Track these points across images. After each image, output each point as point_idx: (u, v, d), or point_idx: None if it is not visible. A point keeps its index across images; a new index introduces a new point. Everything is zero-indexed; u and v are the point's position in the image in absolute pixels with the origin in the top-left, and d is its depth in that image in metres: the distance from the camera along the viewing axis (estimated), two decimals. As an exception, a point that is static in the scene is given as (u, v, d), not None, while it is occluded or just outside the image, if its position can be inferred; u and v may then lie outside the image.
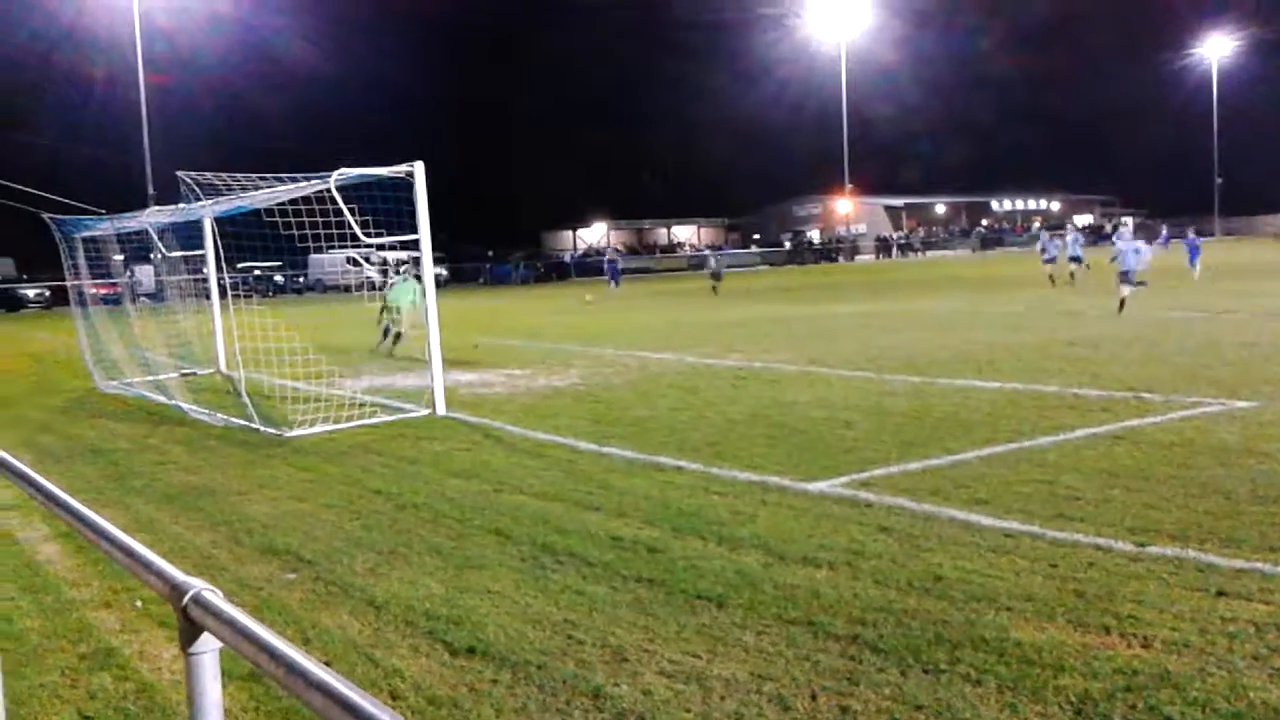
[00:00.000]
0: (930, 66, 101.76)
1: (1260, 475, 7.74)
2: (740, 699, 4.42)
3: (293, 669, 1.90)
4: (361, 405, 12.70)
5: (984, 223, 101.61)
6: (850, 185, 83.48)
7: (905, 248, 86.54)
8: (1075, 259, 33.53)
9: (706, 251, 50.91)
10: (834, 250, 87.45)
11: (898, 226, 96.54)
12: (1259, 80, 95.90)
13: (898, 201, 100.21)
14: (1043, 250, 35.18)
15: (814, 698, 4.40)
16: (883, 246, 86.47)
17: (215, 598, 2.23)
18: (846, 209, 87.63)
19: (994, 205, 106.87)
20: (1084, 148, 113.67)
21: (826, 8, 76.04)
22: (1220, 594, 5.35)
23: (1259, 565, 5.74)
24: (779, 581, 5.86)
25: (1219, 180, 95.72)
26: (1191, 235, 36.60)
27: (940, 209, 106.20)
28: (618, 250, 48.57)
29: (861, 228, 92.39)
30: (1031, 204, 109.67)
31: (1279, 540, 6.17)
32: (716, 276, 41.44)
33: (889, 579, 5.82)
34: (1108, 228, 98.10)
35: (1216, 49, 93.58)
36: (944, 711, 4.21)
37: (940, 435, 9.83)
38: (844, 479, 8.24)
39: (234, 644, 2.12)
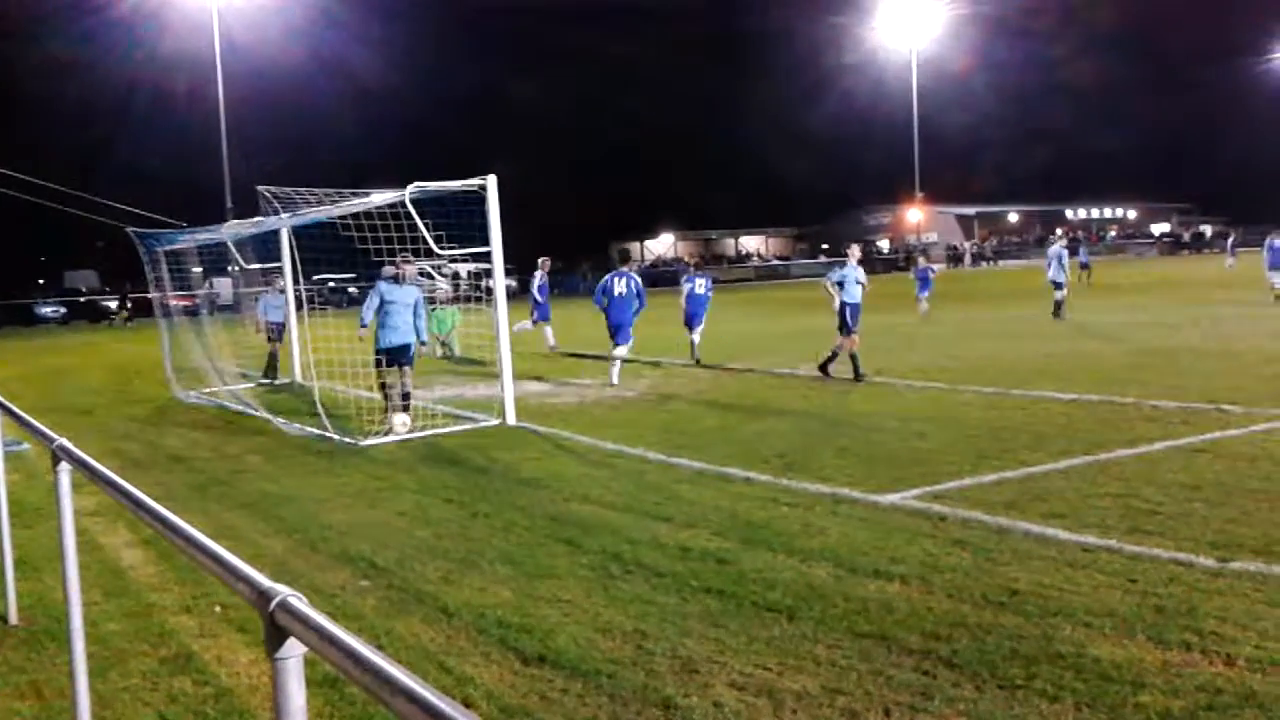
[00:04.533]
0: (1003, 73, 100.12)
1: (1349, 490, 7.51)
2: (812, 713, 4.40)
3: (379, 675, 1.93)
4: (433, 415, 12.87)
5: (1058, 232, 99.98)
6: (921, 194, 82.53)
7: (977, 257, 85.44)
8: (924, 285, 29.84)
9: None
10: (905, 260, 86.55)
11: (969, 235, 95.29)
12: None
13: (969, 210, 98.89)
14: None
15: (887, 713, 4.36)
16: (954, 256, 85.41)
17: (301, 604, 2.28)
18: (917, 218, 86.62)
19: (1068, 214, 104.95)
20: (1161, 155, 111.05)
21: (897, 15, 75.43)
22: (1308, 612, 5.20)
23: (1349, 583, 5.58)
24: (851, 594, 5.82)
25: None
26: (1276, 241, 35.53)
27: (1013, 218, 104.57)
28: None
29: (932, 237, 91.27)
30: (1107, 212, 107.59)
31: (1369, 557, 6.00)
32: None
33: (963, 593, 5.75)
34: (1186, 236, 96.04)
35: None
36: (1020, 728, 4.15)
37: (1015, 447, 9.69)
38: (917, 491, 8.15)
39: (319, 649, 2.17)
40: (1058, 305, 25.18)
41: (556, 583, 6.33)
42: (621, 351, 16.68)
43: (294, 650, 2.30)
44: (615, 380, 16.15)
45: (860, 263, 16.32)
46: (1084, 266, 39.69)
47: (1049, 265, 26.00)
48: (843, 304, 15.76)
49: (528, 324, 22.78)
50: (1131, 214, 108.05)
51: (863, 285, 16.06)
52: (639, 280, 16.98)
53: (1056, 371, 15.00)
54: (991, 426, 10.86)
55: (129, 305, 54.74)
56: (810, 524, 7.39)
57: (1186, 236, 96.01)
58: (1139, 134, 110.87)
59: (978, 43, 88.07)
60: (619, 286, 16.85)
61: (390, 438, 11.89)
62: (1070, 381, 13.78)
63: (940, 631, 5.18)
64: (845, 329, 15.66)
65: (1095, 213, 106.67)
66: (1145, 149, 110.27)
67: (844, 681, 4.68)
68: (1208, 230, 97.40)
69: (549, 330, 23.06)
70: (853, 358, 15.45)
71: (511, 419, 12.66)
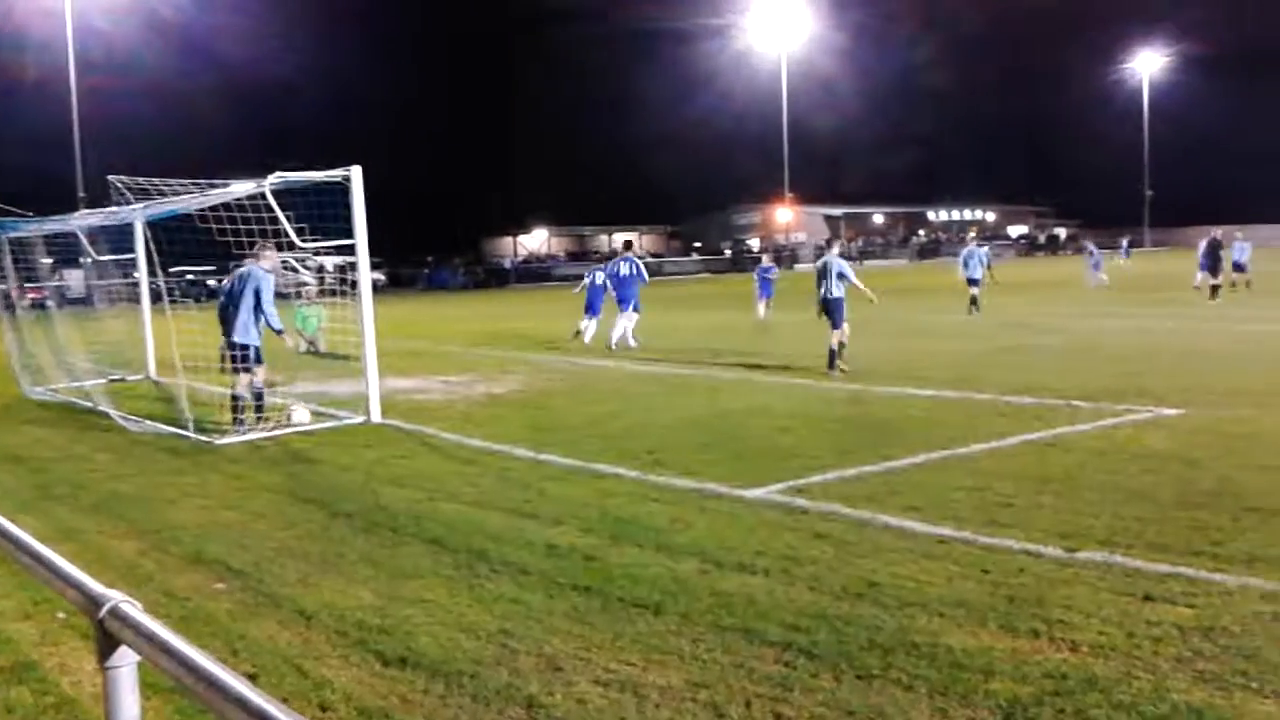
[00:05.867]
0: (870, 78, 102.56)
1: (1186, 481, 7.90)
2: (675, 707, 4.42)
3: (212, 683, 1.85)
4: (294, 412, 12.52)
5: (920, 233, 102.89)
6: (790, 194, 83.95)
7: (844, 257, 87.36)
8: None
9: None
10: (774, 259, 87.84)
11: (837, 235, 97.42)
12: (1188, 96, 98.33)
13: (836, 211, 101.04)
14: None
15: (748, 705, 4.40)
16: (821, 255, 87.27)
17: (134, 610, 2.17)
18: (786, 218, 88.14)
19: (930, 216, 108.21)
20: (1020, 160, 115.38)
21: (768, 18, 76.53)
22: (1146, 598, 5.44)
23: (1184, 570, 5.86)
24: (715, 588, 5.87)
25: (1149, 193, 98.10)
26: (1091, 246, 37.32)
27: (878, 219, 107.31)
28: None
29: (801, 236, 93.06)
30: (967, 214, 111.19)
31: (1203, 545, 6.31)
32: None
33: (824, 585, 5.85)
34: (1041, 239, 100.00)
35: (1148, 64, 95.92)
36: (876, 717, 4.24)
37: (876, 442, 9.92)
38: (781, 486, 8.27)
39: (152, 657, 2.07)
40: (974, 300, 26.47)
41: (420, 583, 6.22)
42: (632, 317, 20.65)
43: (126, 658, 2.20)
44: (632, 342, 20.35)
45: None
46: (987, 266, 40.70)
47: (963, 264, 27.36)
48: (839, 299, 15.74)
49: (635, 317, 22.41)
50: (990, 216, 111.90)
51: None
52: (640, 263, 21.40)
53: (918, 368, 15.42)
54: (854, 422, 11.11)
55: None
56: (677, 519, 7.43)
57: (1043, 239, 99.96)
58: (998, 139, 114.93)
59: (845, 47, 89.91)
60: (624, 269, 20.97)
61: (250, 435, 11.52)
62: (930, 378, 14.19)
63: (801, 623, 5.26)
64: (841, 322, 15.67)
65: (956, 214, 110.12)
66: (1004, 154, 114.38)
67: (707, 674, 4.71)
68: (1062, 233, 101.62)
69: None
70: (833, 350, 15.54)
71: (376, 416, 12.42)
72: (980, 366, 15.43)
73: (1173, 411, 10.89)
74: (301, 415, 12.25)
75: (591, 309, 21.62)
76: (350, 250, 12.67)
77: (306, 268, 15.87)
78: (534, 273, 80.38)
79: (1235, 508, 7.10)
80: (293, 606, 5.90)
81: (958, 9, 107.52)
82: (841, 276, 15.95)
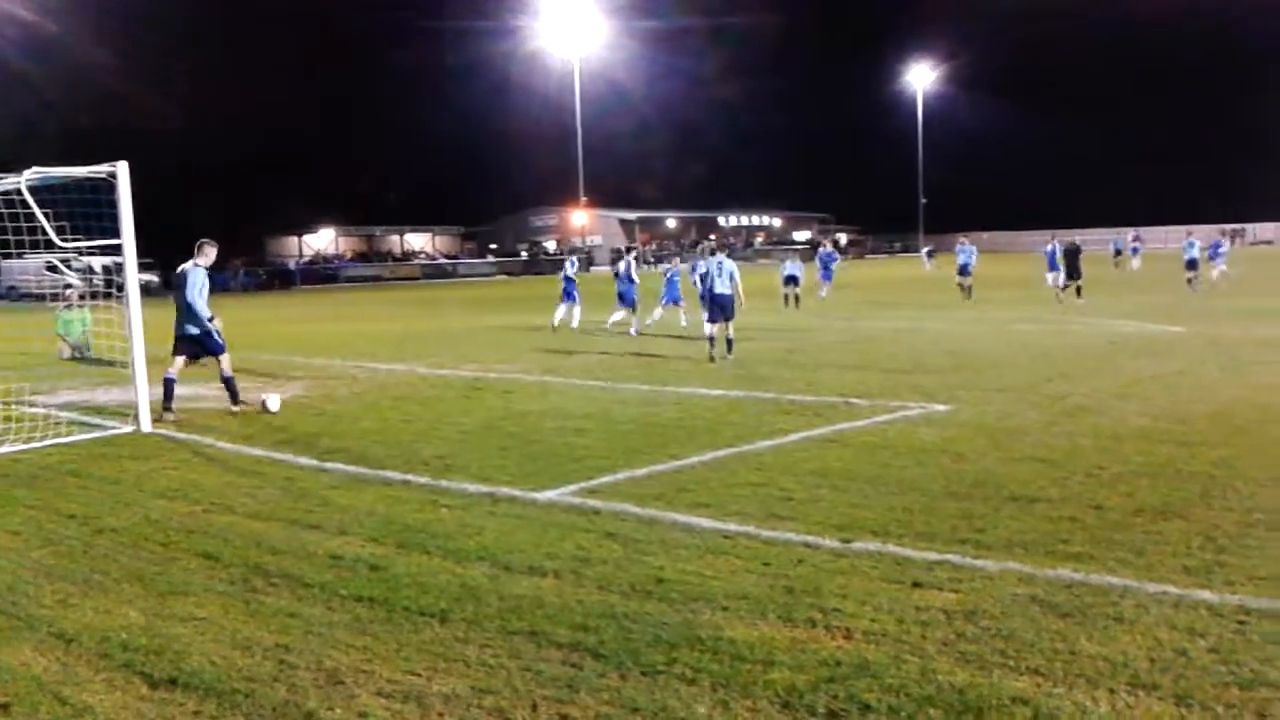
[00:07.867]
0: (662, 85, 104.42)
1: (953, 473, 8.36)
2: (459, 714, 4.34)
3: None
4: (56, 423, 11.74)
5: (711, 237, 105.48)
6: (586, 198, 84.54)
7: (638, 260, 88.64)
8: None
9: None
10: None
11: (631, 239, 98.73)
12: (958, 109, 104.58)
13: (631, 215, 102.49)
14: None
15: (534, 708, 4.37)
16: (617, 258, 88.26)
17: None
18: (582, 221, 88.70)
19: (721, 221, 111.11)
20: (803, 168, 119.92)
21: (560, 22, 76.74)
22: (916, 585, 5.71)
23: (950, 557, 6.18)
24: (504, 593, 5.82)
25: (924, 201, 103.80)
26: (828, 249, 39.06)
27: (671, 223, 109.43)
28: None
29: (597, 239, 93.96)
30: (755, 220, 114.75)
31: (968, 533, 6.67)
32: None
33: (612, 584, 5.89)
34: (826, 244, 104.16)
35: (921, 79, 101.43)
36: (660, 712, 4.28)
37: (666, 441, 10.08)
38: (573, 487, 8.29)
39: None
40: (796, 299, 30.55)
41: (192, 600, 5.91)
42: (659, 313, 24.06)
43: None
44: (650, 322, 23.53)
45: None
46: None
47: (784, 264, 31.88)
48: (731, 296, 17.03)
49: (658, 312, 24.74)
50: (777, 222, 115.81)
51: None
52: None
53: (706, 370, 15.77)
54: (646, 422, 11.25)
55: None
56: (468, 524, 7.34)
57: (827, 244, 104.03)
58: (784, 148, 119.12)
59: (640, 55, 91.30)
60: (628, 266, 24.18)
61: (5, 449, 10.71)
62: (719, 379, 14.53)
63: (589, 623, 5.27)
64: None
65: (745, 220, 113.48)
66: (790, 162, 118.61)
67: (493, 680, 4.65)
68: (843, 238, 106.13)
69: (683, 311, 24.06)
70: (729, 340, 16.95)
71: (147, 425, 11.76)
72: (765, 366, 15.91)
73: (942, 407, 11.51)
74: (274, 403, 12.86)
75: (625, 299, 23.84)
76: (117, 250, 11.97)
77: (73, 269, 14.91)
78: (321, 274, 78.16)
79: (997, 497, 7.56)
80: (50, 629, 5.51)
81: (745, 22, 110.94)
82: (731, 277, 17.07)
